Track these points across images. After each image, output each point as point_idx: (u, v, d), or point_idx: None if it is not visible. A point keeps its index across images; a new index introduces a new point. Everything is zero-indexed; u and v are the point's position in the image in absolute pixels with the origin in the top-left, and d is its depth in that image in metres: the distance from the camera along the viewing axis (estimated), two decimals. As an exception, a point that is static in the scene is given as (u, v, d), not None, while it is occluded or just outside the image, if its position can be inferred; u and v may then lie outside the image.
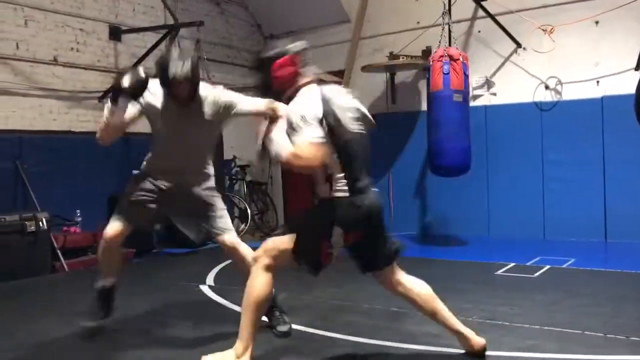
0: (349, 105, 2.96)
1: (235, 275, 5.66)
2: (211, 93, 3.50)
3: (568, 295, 4.39)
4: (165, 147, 3.55)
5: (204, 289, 4.95)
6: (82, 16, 7.16)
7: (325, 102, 2.84)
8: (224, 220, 3.61)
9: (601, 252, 6.63)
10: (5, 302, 4.72)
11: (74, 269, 5.97)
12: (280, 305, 3.70)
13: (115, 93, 3.20)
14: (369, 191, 2.95)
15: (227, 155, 8.32)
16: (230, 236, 3.58)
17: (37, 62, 6.72)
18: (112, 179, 6.85)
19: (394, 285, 3.10)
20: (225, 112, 3.50)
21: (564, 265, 5.57)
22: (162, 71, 3.29)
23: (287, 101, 2.96)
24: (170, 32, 7.18)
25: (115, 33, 7.49)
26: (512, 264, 5.59)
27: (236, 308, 4.20)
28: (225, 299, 4.49)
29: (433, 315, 3.09)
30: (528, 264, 5.64)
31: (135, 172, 3.70)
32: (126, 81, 3.13)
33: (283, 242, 2.93)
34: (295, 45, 2.96)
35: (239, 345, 2.91)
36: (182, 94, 3.33)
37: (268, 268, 2.92)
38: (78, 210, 6.57)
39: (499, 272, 5.33)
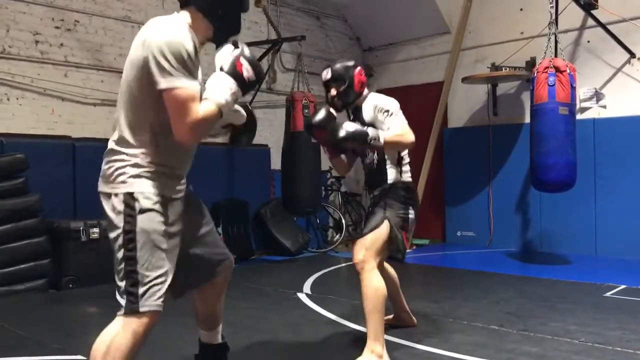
0: None
1: (331, 285, 5.77)
2: None
3: (688, 323, 4.07)
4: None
5: (302, 296, 5.04)
6: (191, 32, 7.54)
7: None
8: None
9: None
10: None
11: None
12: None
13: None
14: None
15: (324, 166, 8.43)
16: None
17: (151, 76, 7.15)
18: (217, 186, 7.14)
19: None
20: None
21: (683, 290, 5.17)
22: None
23: (355, 107, 3.43)
24: (273, 46, 7.42)
25: (222, 48, 7.79)
26: (623, 286, 5.25)
27: (332, 317, 4.26)
28: (322, 307, 4.55)
29: None
30: (641, 287, 5.30)
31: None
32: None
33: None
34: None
35: (376, 346, 3.11)
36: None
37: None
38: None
39: (608, 294, 5.02)
